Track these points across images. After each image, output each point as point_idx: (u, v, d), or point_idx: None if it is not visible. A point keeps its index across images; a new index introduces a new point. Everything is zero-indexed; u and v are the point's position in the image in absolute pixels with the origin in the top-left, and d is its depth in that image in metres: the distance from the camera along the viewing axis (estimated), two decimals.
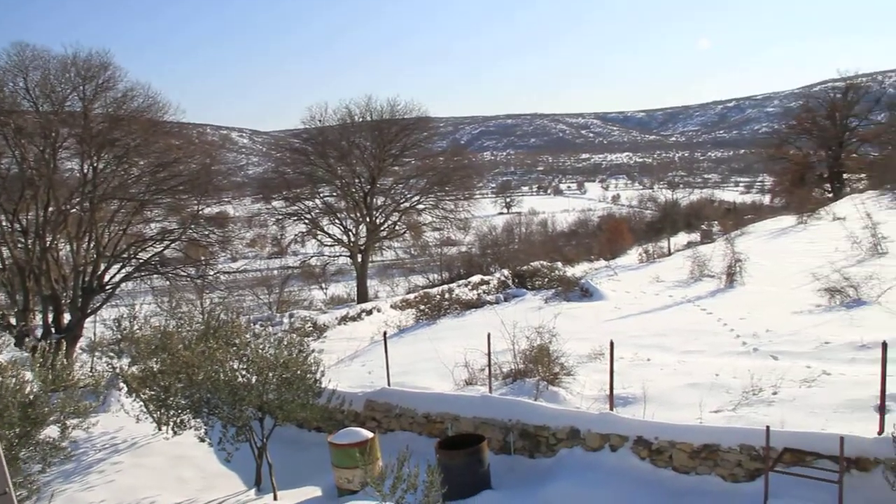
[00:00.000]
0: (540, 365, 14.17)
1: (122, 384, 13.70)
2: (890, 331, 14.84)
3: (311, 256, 49.76)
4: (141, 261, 26.86)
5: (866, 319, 16.67)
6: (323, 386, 12.88)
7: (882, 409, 10.01)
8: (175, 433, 12.20)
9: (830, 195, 58.52)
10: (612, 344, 12.68)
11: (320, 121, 48.92)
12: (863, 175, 62.00)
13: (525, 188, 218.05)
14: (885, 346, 10.11)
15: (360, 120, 49.03)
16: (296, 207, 48.27)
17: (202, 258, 29.54)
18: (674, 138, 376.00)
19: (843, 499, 9.08)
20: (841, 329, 15.99)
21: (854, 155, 65.01)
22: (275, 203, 49.58)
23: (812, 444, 9.86)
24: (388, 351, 15.80)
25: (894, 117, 66.72)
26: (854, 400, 11.41)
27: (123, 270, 26.51)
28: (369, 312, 29.50)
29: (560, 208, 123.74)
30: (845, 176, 64.57)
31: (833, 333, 15.66)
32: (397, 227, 49.60)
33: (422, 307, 27.66)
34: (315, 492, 12.42)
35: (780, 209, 56.10)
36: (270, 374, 11.91)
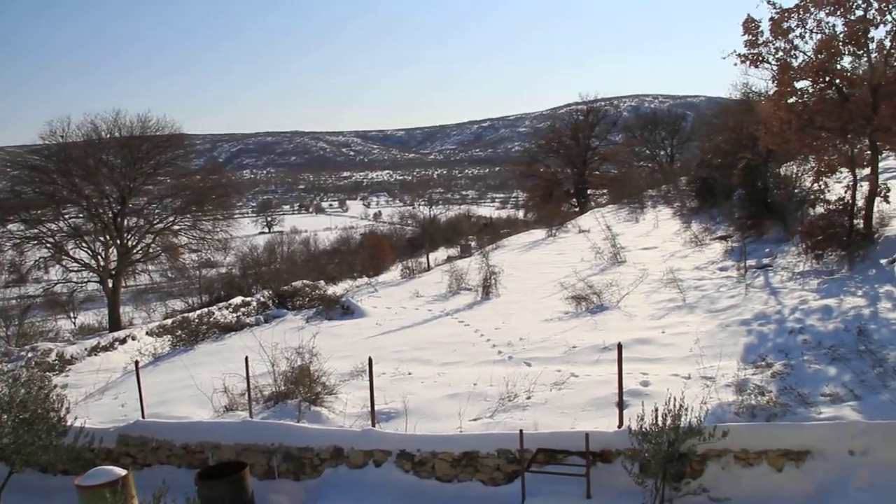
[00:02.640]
0: (301, 386, 13.95)
1: None
2: (627, 332, 16.22)
3: (56, 283, 45.84)
4: None
5: (608, 323, 18.05)
6: (69, 424, 11.89)
7: (620, 405, 10.88)
8: None
9: (577, 209, 63.08)
10: (370, 360, 12.77)
11: (62, 136, 45.09)
12: (604, 190, 67.39)
13: (286, 207, 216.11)
14: (620, 347, 11.01)
15: (108, 136, 45.99)
16: (36, 230, 44.21)
17: None
18: (432, 156, 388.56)
19: (591, 489, 9.80)
20: (586, 333, 17.17)
21: (596, 172, 70.68)
22: (10, 226, 45.11)
23: (562, 443, 10.50)
24: (144, 380, 14.91)
25: (629, 138, 73.35)
26: (599, 398, 12.30)
27: None
28: (123, 341, 27.70)
29: (322, 226, 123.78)
30: (589, 191, 69.96)
31: (579, 338, 16.77)
32: (152, 250, 46.96)
33: (179, 333, 26.45)
34: None
35: (532, 223, 59.45)
36: (4, 416, 10.81)
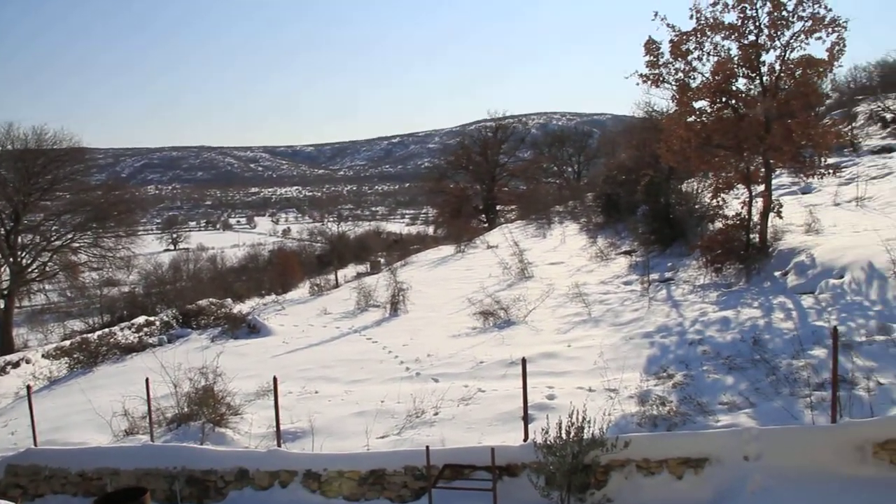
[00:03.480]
0: (205, 407, 13.57)
1: None
2: (534, 347, 16.39)
3: None
4: None
5: (515, 338, 18.20)
6: None
7: (525, 419, 10.92)
8: None
9: (486, 225, 63.61)
10: (275, 379, 12.49)
11: None
12: (513, 206, 68.21)
13: (193, 223, 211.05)
14: (524, 362, 11.10)
15: (1, 149, 44.16)
16: None
17: None
18: (342, 172, 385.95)
19: (498, 503, 9.77)
20: (494, 348, 17.27)
21: (505, 188, 71.51)
22: None
23: (469, 458, 10.47)
24: (39, 405, 14.35)
25: (537, 155, 74.63)
26: (506, 413, 12.38)
27: None
28: (16, 364, 26.50)
29: (230, 243, 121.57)
30: (498, 207, 70.70)
31: (487, 353, 16.86)
32: (49, 268, 45.17)
33: (77, 354, 25.41)
34: None
35: (442, 239, 59.66)
36: None
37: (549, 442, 9.58)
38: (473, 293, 23.93)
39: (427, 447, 10.32)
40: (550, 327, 18.85)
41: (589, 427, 9.61)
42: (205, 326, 29.18)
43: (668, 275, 22.94)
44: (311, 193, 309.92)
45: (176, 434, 13.39)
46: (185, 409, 13.84)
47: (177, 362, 15.25)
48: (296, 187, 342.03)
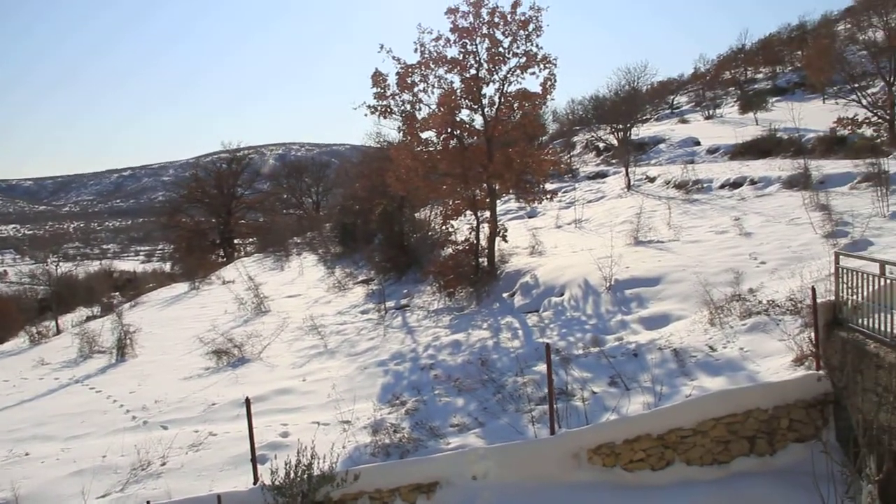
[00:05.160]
0: None
1: None
2: (269, 384, 15.86)
3: None
4: None
5: (250, 376, 17.51)
6: None
7: (254, 460, 10.42)
8: None
9: (224, 259, 61.48)
10: None
11: None
12: (251, 239, 66.57)
13: None
14: (248, 402, 10.63)
15: None
16: None
17: None
18: (67, 208, 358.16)
19: None
20: (227, 389, 16.48)
21: (242, 221, 69.64)
22: None
23: None
24: None
25: (276, 186, 73.55)
26: (238, 455, 11.75)
27: None
28: None
29: None
30: (236, 241, 68.67)
31: (220, 394, 16.04)
32: None
33: None
34: None
35: (177, 276, 56.85)
36: None
37: (277, 483, 9.18)
38: (207, 332, 22.77)
39: (148, 502, 9.49)
40: (286, 362, 18.36)
41: (320, 463, 9.33)
42: None
43: (403, 301, 23.29)
44: (31, 231, 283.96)
45: None
46: None
47: None
48: (13, 225, 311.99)
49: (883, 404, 8.56)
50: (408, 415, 12.53)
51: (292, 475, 9.10)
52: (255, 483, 10.14)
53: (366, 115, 23.35)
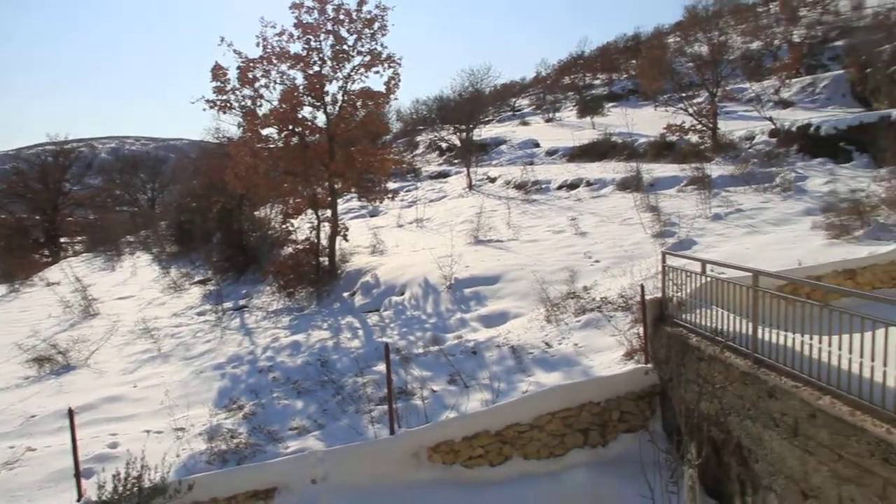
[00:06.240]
0: None
1: None
2: (97, 391, 15.03)
3: None
4: None
5: (75, 384, 16.43)
6: None
7: (77, 475, 9.81)
8: None
9: (49, 259, 57.72)
10: None
11: None
12: (80, 238, 62.86)
13: None
14: (71, 411, 10.03)
15: None
16: None
17: None
18: None
19: None
20: (49, 399, 15.38)
21: (70, 218, 65.58)
22: None
23: None
24: None
25: (108, 182, 69.77)
26: (60, 471, 11.03)
27: None
28: None
29: None
30: (63, 240, 64.59)
31: (41, 405, 14.96)
32: None
33: None
34: None
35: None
36: None
37: (104, 498, 8.66)
38: (28, 338, 21.23)
39: None
40: (116, 368, 17.39)
41: (151, 474, 8.88)
42: None
43: (242, 302, 22.68)
44: None
45: None
46: None
47: None
48: None
49: (703, 394, 9.09)
50: (245, 419, 12.19)
51: (120, 489, 8.59)
52: (78, 500, 9.56)
53: (204, 109, 22.59)
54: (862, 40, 39.22)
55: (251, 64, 22.11)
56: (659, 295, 11.08)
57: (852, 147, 25.30)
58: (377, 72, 22.99)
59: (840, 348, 6.95)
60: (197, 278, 28.27)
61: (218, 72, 22.20)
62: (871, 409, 6.51)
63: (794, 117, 31.51)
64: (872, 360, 6.55)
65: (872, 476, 6.24)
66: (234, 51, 22.02)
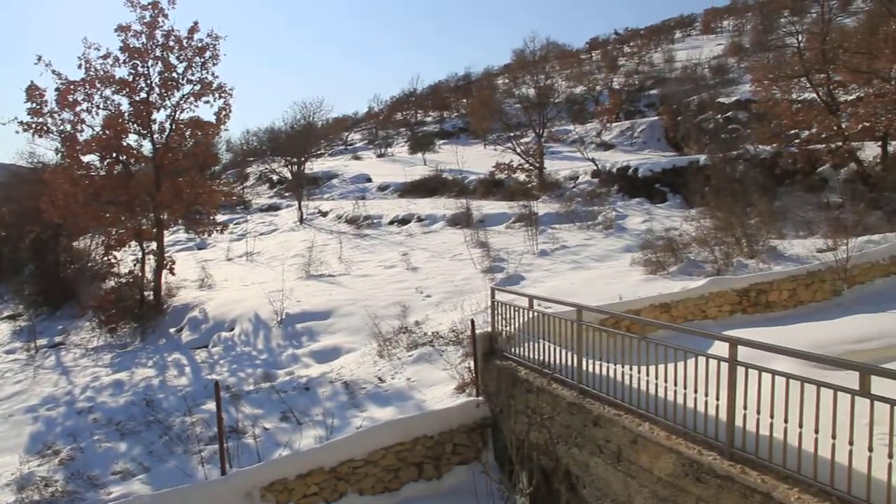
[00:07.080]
0: None
1: None
2: None
3: None
4: None
5: None
6: None
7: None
8: None
9: None
10: None
11: None
12: None
13: None
14: None
15: None
16: None
17: None
18: None
19: None
20: None
21: None
22: None
23: None
24: None
25: None
26: None
27: None
28: None
29: None
30: None
31: None
32: None
33: None
34: None
35: None
36: None
37: None
38: None
39: None
40: None
41: None
42: None
43: (58, 339, 21.30)
44: None
45: None
46: None
47: None
48: None
49: (532, 424, 9.42)
50: (62, 465, 11.43)
51: None
52: None
53: (17, 132, 21.25)
54: (673, 90, 42.34)
55: (72, 86, 21.07)
56: (489, 329, 11.39)
57: (667, 188, 27.25)
58: (207, 101, 22.53)
59: (657, 377, 7.44)
60: (5, 313, 26.31)
61: (34, 92, 20.97)
62: (685, 433, 7.01)
63: (614, 159, 33.50)
64: (685, 387, 7.06)
65: (687, 494, 6.70)
66: (53, 71, 20.94)
